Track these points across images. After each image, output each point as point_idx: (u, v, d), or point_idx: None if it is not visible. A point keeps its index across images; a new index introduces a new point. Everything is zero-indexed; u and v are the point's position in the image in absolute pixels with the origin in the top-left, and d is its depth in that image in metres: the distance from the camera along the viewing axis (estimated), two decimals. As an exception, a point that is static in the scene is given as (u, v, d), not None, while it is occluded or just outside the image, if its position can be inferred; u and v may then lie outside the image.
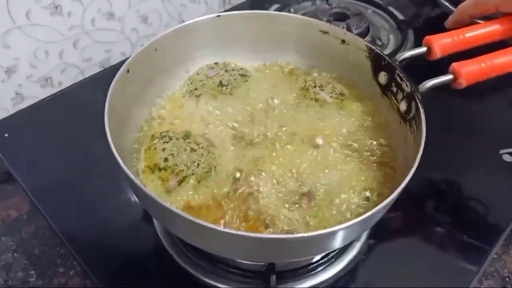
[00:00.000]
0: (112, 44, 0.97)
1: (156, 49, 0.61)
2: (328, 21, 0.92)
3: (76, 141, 0.77)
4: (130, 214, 0.66)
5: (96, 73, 0.92)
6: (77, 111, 0.82)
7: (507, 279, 0.76)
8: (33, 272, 0.75)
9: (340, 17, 0.94)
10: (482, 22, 0.63)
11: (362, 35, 0.92)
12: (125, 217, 0.66)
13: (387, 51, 0.92)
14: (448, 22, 0.65)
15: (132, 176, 0.44)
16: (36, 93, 0.91)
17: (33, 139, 0.78)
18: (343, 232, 0.46)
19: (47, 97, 0.85)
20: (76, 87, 0.88)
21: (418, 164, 0.49)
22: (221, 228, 0.42)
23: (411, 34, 0.96)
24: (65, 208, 0.68)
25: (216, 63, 0.69)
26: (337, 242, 0.48)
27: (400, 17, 0.99)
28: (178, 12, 1.04)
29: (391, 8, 1.01)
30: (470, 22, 0.64)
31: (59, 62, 0.91)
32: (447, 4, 0.98)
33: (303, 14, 0.97)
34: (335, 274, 0.60)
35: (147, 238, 0.64)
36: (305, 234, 0.43)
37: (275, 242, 0.44)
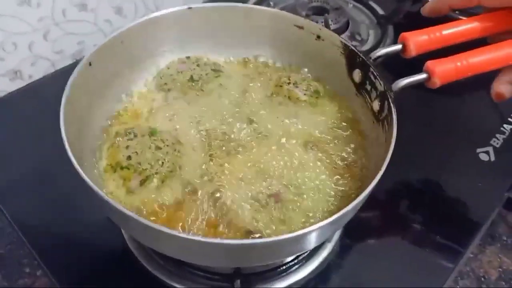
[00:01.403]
0: (84, 36, 0.94)
1: (122, 42, 0.58)
2: (307, 15, 0.90)
3: (45, 137, 0.73)
4: (96, 214, 0.64)
5: (67, 65, 0.89)
6: (48, 105, 0.77)
7: (482, 278, 0.76)
8: (-2, 272, 0.72)
9: (319, 11, 0.92)
10: (461, 18, 0.61)
11: (341, 30, 0.90)
12: (91, 217, 0.64)
13: (366, 47, 0.90)
14: (425, 9, 0.63)
15: (84, 175, 0.42)
16: (4, 87, 0.87)
17: (0, 134, 0.75)
18: (310, 235, 0.44)
19: (15, 90, 0.82)
20: (47, 80, 0.85)
21: (393, 162, 0.47)
22: (177, 233, 0.41)
23: (391, 30, 0.94)
24: (28, 207, 0.65)
25: (188, 57, 0.66)
26: (304, 245, 0.47)
27: (381, 12, 0.97)
28: (155, 3, 1.01)
29: (371, 3, 0.99)
30: (447, 12, 0.62)
31: (28, 55, 0.88)
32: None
33: (282, 8, 0.95)
34: (306, 276, 0.59)
35: (112, 239, 0.62)
36: (268, 240, 0.41)
37: (236, 248, 0.42)
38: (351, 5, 1.01)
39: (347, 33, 0.91)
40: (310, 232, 0.43)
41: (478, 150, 0.74)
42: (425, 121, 0.77)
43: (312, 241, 0.47)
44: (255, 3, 0.95)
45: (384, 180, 0.47)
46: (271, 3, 0.99)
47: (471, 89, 0.85)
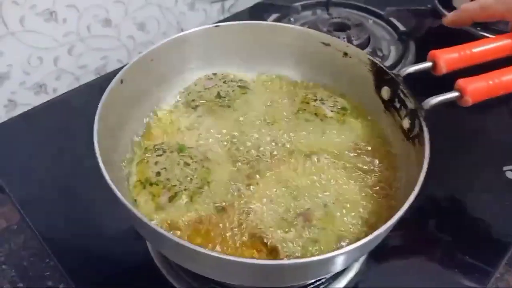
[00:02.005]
0: (108, 51, 0.95)
1: (152, 60, 0.59)
2: (328, 31, 0.90)
3: (69, 151, 0.75)
4: (121, 227, 0.64)
5: (91, 80, 0.91)
6: (72, 119, 0.80)
7: (509, 300, 0.74)
8: (21, 285, 0.72)
9: (340, 28, 0.92)
10: (491, 36, 0.61)
11: (363, 46, 0.90)
12: (116, 230, 0.64)
13: (388, 63, 0.90)
14: (447, 19, 0.63)
15: (118, 193, 0.42)
16: (29, 100, 0.89)
17: (24, 148, 0.76)
18: (340, 258, 0.44)
19: (40, 104, 0.83)
20: (71, 94, 0.86)
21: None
22: (207, 251, 0.40)
23: (412, 46, 0.94)
24: (54, 219, 0.66)
25: (214, 74, 0.67)
26: (333, 268, 0.46)
27: (401, 28, 0.97)
28: (177, 19, 1.02)
29: (392, 19, 0.99)
30: (469, 24, 0.62)
31: (53, 69, 0.89)
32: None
33: (303, 24, 0.95)
34: (333, 296, 0.58)
35: (137, 254, 0.62)
36: (298, 261, 0.41)
37: (265, 268, 0.41)
38: (371, 21, 1.02)
39: (368, 49, 0.91)
40: (341, 254, 0.42)
41: (505, 168, 0.73)
42: (451, 138, 0.76)
43: (342, 263, 0.46)
44: (275, 20, 0.96)
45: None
46: (292, 19, 1.00)
47: (497, 106, 0.85)
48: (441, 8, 0.93)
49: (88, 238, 0.64)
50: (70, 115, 0.81)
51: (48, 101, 0.84)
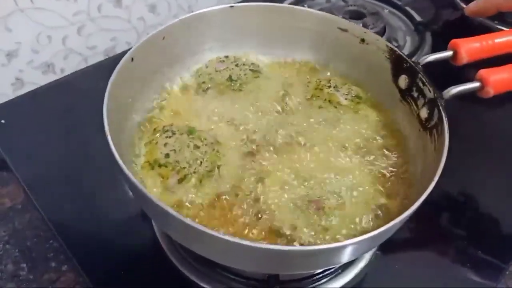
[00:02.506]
0: (117, 32, 0.93)
1: (164, 38, 0.58)
2: (343, 18, 0.88)
3: (76, 131, 0.74)
4: (128, 210, 0.63)
5: (99, 61, 0.89)
6: (79, 100, 0.79)
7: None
8: (24, 265, 0.71)
9: (356, 16, 0.90)
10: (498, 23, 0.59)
11: (378, 35, 0.88)
12: (122, 213, 0.63)
13: (404, 52, 0.88)
14: (469, 9, 0.61)
15: (128, 171, 0.41)
16: (37, 80, 0.87)
17: (31, 127, 0.75)
18: (351, 247, 0.42)
19: (47, 84, 0.82)
20: (78, 75, 0.85)
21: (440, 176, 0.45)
22: (217, 234, 0.39)
23: (428, 37, 0.92)
24: (59, 200, 0.65)
25: (226, 57, 0.65)
26: (344, 257, 0.45)
27: (418, 18, 0.95)
28: (188, 3, 1.01)
29: (408, 9, 0.97)
30: (493, 13, 0.60)
31: (62, 48, 0.88)
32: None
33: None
34: (342, 286, 0.57)
35: (144, 236, 0.61)
36: (307, 248, 0.40)
37: (275, 254, 0.40)
38: (387, 10, 0.99)
39: (384, 38, 0.89)
40: (353, 244, 0.41)
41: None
42: (467, 133, 0.75)
43: (353, 253, 0.45)
44: (290, 4, 0.94)
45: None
46: (305, 5, 0.98)
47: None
48: (459, 0, 0.91)
49: (94, 220, 0.63)
50: (77, 96, 0.79)
51: (56, 80, 0.83)
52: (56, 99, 0.80)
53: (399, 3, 0.98)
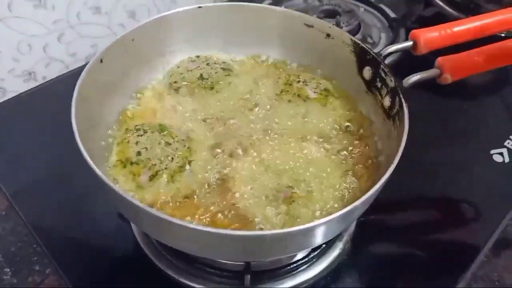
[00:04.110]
0: (98, 39, 0.95)
1: (133, 40, 0.59)
2: (318, 17, 0.90)
3: (58, 138, 0.74)
4: (107, 214, 0.64)
5: (80, 66, 0.91)
6: (60, 106, 0.79)
7: (496, 283, 0.74)
8: (8, 269, 0.72)
9: (330, 14, 0.92)
10: (470, 16, 0.61)
11: (353, 33, 0.90)
12: (103, 217, 0.64)
13: (377, 50, 0.89)
14: None
15: (96, 168, 0.42)
16: (18, 88, 0.88)
17: (13, 134, 0.76)
18: (319, 229, 0.44)
19: (29, 90, 0.83)
20: (59, 80, 0.86)
21: (405, 164, 0.46)
22: (186, 223, 0.40)
23: (402, 33, 0.93)
24: (42, 207, 0.66)
25: (197, 56, 0.67)
26: (313, 240, 0.46)
27: (392, 15, 0.97)
28: (168, 7, 1.02)
29: (382, 6, 0.99)
30: None
31: (43, 56, 0.89)
32: (441, 3, 0.97)
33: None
34: (316, 275, 0.58)
35: (123, 238, 0.62)
36: (277, 231, 0.41)
37: (245, 239, 0.41)
38: (363, 8, 1.01)
39: (358, 35, 0.91)
40: (319, 225, 0.42)
41: (492, 151, 0.73)
42: (438, 123, 0.77)
43: (322, 235, 0.46)
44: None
45: (396, 181, 0.46)
46: (282, 6, 1.00)
47: (485, 91, 0.85)
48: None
49: (75, 224, 0.64)
50: (59, 102, 0.80)
51: (36, 86, 0.84)
52: (38, 105, 0.81)
53: (373, 0, 1.00)
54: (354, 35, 0.90)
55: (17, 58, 0.86)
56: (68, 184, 0.68)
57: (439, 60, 0.54)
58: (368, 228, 0.62)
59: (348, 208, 0.43)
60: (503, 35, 0.68)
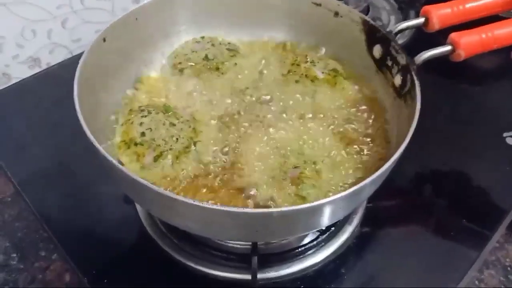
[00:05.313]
0: (102, 24, 0.92)
1: (136, 19, 0.58)
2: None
3: (64, 123, 0.73)
4: (114, 199, 0.63)
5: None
6: (65, 91, 0.79)
7: (508, 268, 0.72)
8: (15, 255, 0.72)
9: (338, -4, 0.90)
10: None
11: (361, 14, 0.88)
12: (109, 203, 0.63)
13: (387, 31, 0.88)
14: None
15: (99, 146, 0.41)
16: (23, 74, 0.87)
17: (18, 121, 0.75)
18: (327, 208, 0.42)
19: (32, 75, 0.82)
20: (63, 65, 0.85)
21: (417, 149, 0.45)
22: (193, 202, 0.39)
23: (412, 15, 0.92)
24: (48, 192, 0.65)
25: (202, 37, 0.65)
26: (322, 220, 0.45)
27: (402, -3, 0.95)
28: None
29: (392, -12, 0.97)
30: None
31: (47, 42, 0.88)
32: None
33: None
34: (324, 259, 0.57)
35: (129, 223, 0.61)
36: (284, 209, 0.39)
37: (254, 217, 0.40)
38: (371, -9, 0.99)
39: (368, 17, 0.89)
40: (327, 203, 0.41)
41: (505, 134, 0.71)
42: (450, 107, 0.75)
43: (330, 215, 0.45)
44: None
45: (408, 165, 0.45)
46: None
47: (497, 74, 0.83)
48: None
49: (82, 210, 0.63)
50: (63, 87, 0.79)
51: (40, 71, 0.83)
52: (43, 91, 0.80)
53: (382, -18, 0.98)
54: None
55: (21, 44, 0.85)
56: (74, 169, 0.67)
57: (452, 36, 0.52)
58: (378, 213, 0.61)
59: (357, 186, 0.41)
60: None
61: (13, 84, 0.81)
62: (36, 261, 0.72)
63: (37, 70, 0.90)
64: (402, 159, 0.45)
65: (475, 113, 0.76)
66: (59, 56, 0.91)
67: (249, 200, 0.49)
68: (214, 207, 0.40)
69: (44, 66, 0.90)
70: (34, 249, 0.73)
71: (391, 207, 0.63)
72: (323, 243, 0.58)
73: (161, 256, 0.58)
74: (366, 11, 0.90)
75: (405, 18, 0.90)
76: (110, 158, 0.42)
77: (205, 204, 0.39)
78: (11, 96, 0.79)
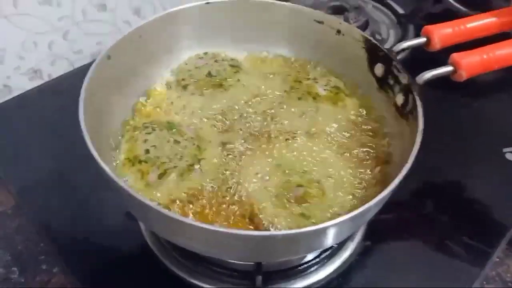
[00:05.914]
0: (103, 36, 0.94)
1: (140, 36, 0.58)
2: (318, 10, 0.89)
3: (64, 135, 0.73)
4: (116, 214, 0.63)
5: (86, 64, 0.90)
6: (66, 103, 0.79)
7: (509, 283, 0.73)
8: (15, 268, 0.72)
9: (338, 11, 0.91)
10: (484, 13, 0.60)
11: (361, 29, 0.88)
12: (111, 215, 0.63)
13: (386, 46, 0.88)
14: None
15: (103, 164, 0.42)
16: (24, 86, 0.88)
17: (19, 133, 0.75)
18: (332, 229, 0.43)
19: (34, 88, 0.83)
20: (65, 78, 0.86)
21: (418, 164, 0.45)
22: (198, 224, 0.39)
23: (411, 30, 0.93)
24: (49, 205, 0.65)
25: (205, 53, 0.66)
26: (326, 241, 0.45)
27: (401, 11, 0.96)
28: (172, 3, 1.01)
29: (391, 2, 0.98)
30: None
31: (48, 54, 0.88)
32: (450, 0, 0.95)
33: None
34: (327, 276, 0.57)
35: (131, 237, 0.61)
36: (288, 232, 0.40)
37: (256, 240, 0.40)
38: (371, 5, 1.00)
39: (366, 32, 0.90)
40: (331, 226, 0.41)
41: (505, 149, 0.72)
42: (449, 122, 0.75)
43: (334, 236, 0.45)
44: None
45: (409, 181, 0.45)
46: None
47: (495, 88, 0.83)
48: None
49: (83, 222, 0.63)
50: (65, 99, 0.79)
51: (42, 84, 0.83)
52: (44, 103, 0.80)
53: (382, -4, 0.99)
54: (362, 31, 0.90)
55: (22, 55, 0.85)
56: (75, 182, 0.67)
57: (454, 56, 0.52)
58: (380, 228, 0.61)
59: (361, 209, 0.42)
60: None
61: (15, 96, 0.81)
62: (37, 274, 0.71)
63: (38, 81, 0.90)
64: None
65: (475, 128, 0.77)
66: (61, 68, 0.91)
67: (253, 220, 0.49)
68: (220, 229, 0.40)
69: (45, 78, 0.90)
70: (35, 262, 0.72)
71: (392, 223, 0.63)
72: (326, 260, 0.58)
73: (163, 272, 0.58)
74: (365, 25, 0.91)
75: (405, 32, 0.91)
76: (117, 179, 0.42)
77: (211, 227, 0.40)
78: (12, 109, 0.79)
